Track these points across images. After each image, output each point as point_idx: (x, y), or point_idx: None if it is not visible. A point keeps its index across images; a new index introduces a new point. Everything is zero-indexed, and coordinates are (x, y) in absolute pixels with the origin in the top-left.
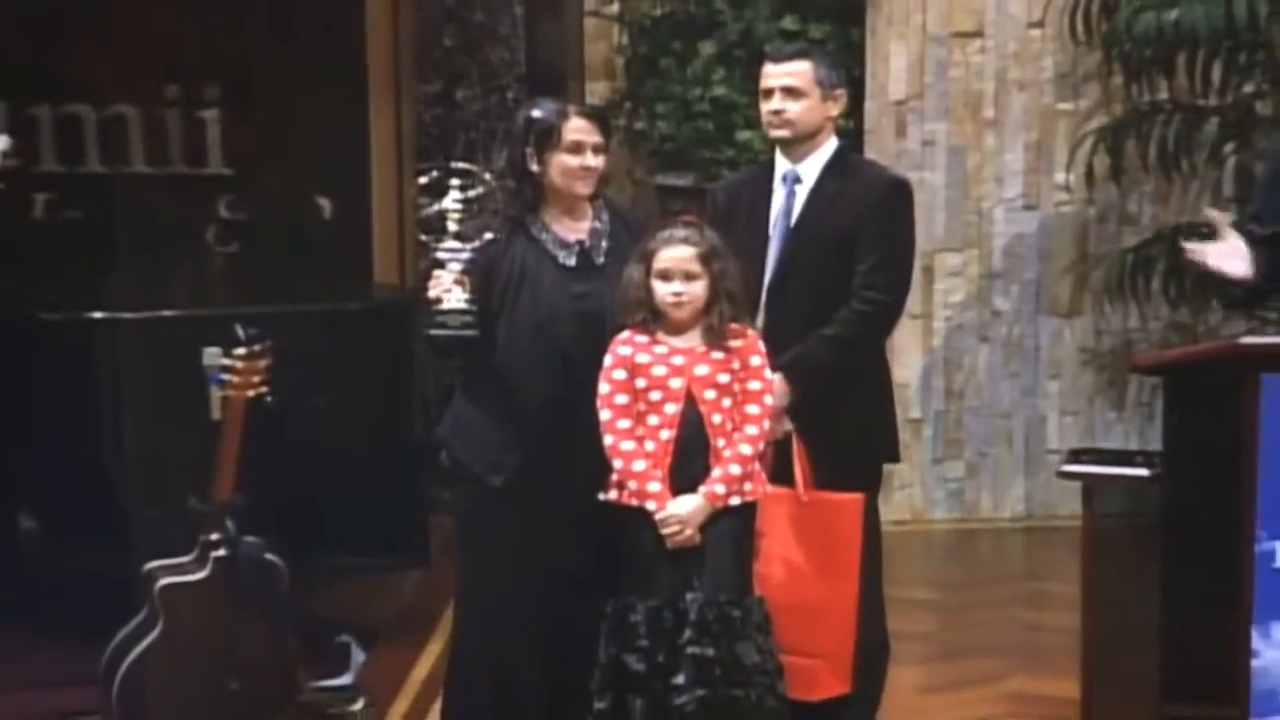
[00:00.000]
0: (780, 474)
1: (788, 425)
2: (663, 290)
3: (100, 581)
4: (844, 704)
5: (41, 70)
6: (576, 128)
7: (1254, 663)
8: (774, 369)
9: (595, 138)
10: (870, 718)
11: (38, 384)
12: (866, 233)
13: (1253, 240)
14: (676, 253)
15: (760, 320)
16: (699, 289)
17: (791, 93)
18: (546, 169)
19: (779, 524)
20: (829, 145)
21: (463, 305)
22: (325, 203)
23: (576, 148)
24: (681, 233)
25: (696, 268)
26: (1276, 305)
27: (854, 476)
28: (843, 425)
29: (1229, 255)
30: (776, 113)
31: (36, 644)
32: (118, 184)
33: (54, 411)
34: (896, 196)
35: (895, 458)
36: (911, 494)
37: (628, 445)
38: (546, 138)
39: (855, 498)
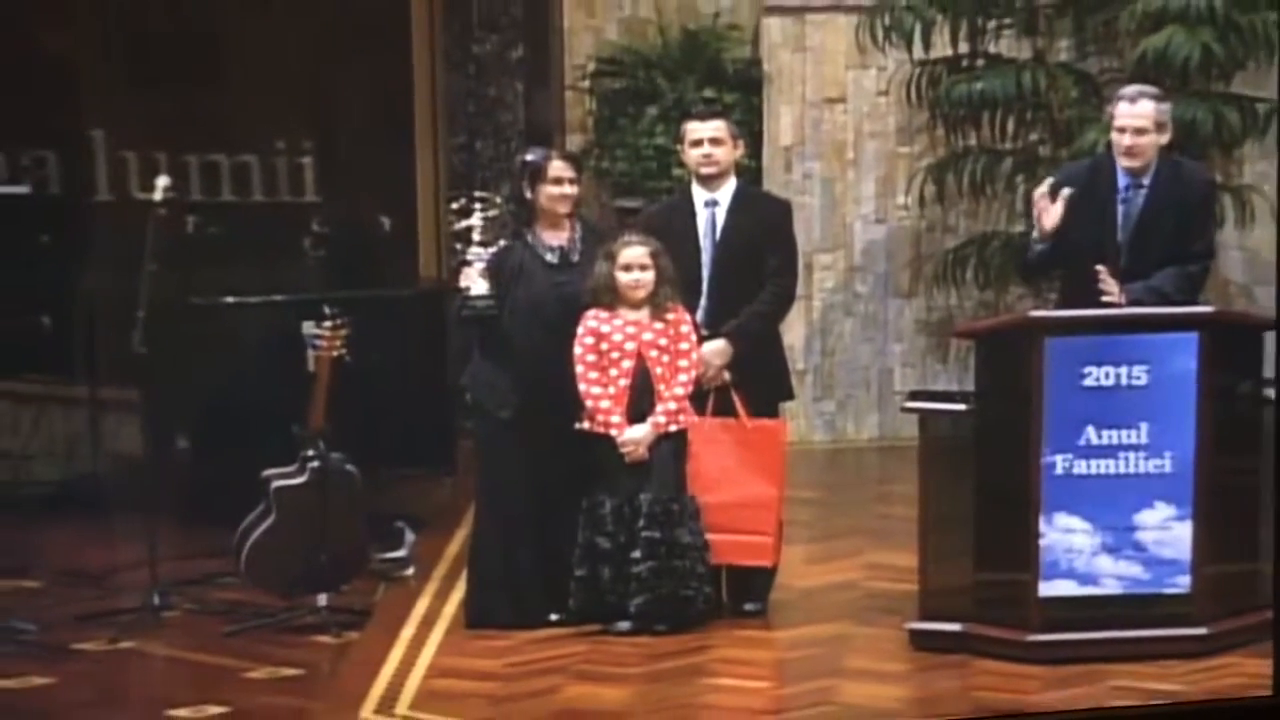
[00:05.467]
0: (722, 409)
1: (726, 376)
2: (624, 279)
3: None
4: (758, 571)
5: (191, 130)
6: (557, 167)
7: (1041, 541)
8: (718, 336)
9: (570, 173)
10: (772, 581)
11: (189, 350)
12: (771, 240)
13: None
14: (635, 251)
15: (703, 303)
16: (649, 277)
17: (716, 141)
18: (537, 196)
19: (731, 446)
20: (733, 180)
21: (485, 293)
22: (386, 220)
23: (557, 180)
24: (637, 237)
25: (648, 261)
26: (1054, 288)
27: (764, 410)
28: (758, 374)
29: (1047, 211)
30: (708, 155)
31: (189, 528)
32: (243, 209)
33: (199, 369)
34: (787, 215)
35: (790, 396)
36: (798, 423)
37: (596, 390)
38: (538, 174)
39: (782, 421)
